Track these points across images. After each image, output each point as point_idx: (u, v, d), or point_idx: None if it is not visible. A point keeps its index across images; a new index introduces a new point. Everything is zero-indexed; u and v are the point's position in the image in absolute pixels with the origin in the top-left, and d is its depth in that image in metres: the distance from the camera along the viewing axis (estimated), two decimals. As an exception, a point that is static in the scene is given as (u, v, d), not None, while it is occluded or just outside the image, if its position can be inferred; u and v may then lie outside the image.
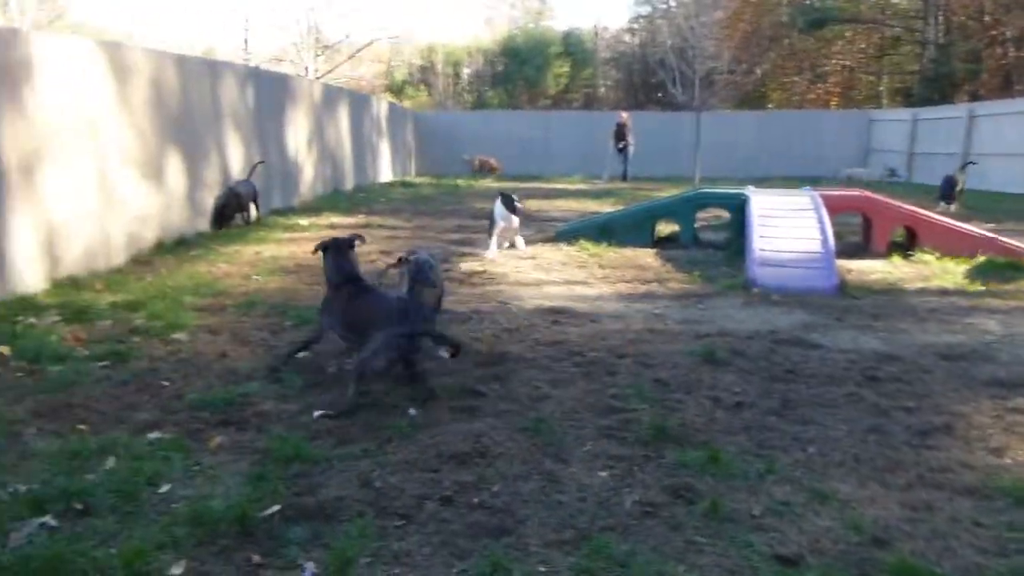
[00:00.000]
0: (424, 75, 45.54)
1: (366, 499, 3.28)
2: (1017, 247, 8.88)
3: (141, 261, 8.38)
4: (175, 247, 9.16)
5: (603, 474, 3.56)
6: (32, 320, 5.92)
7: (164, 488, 3.37)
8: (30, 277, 6.72)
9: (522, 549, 2.94)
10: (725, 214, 11.04)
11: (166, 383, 4.69)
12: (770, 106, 35.24)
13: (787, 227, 8.67)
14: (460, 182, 21.35)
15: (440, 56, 44.61)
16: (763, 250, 8.19)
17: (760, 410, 4.38)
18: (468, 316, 6.41)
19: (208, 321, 6.05)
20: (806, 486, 3.45)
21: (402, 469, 3.57)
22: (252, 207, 11.14)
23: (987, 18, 27.10)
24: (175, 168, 9.64)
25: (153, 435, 3.91)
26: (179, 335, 5.63)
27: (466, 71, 46.32)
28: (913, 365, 5.21)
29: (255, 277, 7.68)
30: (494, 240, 9.40)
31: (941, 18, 28.49)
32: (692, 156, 20.66)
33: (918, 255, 9.11)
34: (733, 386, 4.75)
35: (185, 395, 4.49)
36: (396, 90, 42.69)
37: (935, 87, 26.75)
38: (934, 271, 8.48)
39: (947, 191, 14.05)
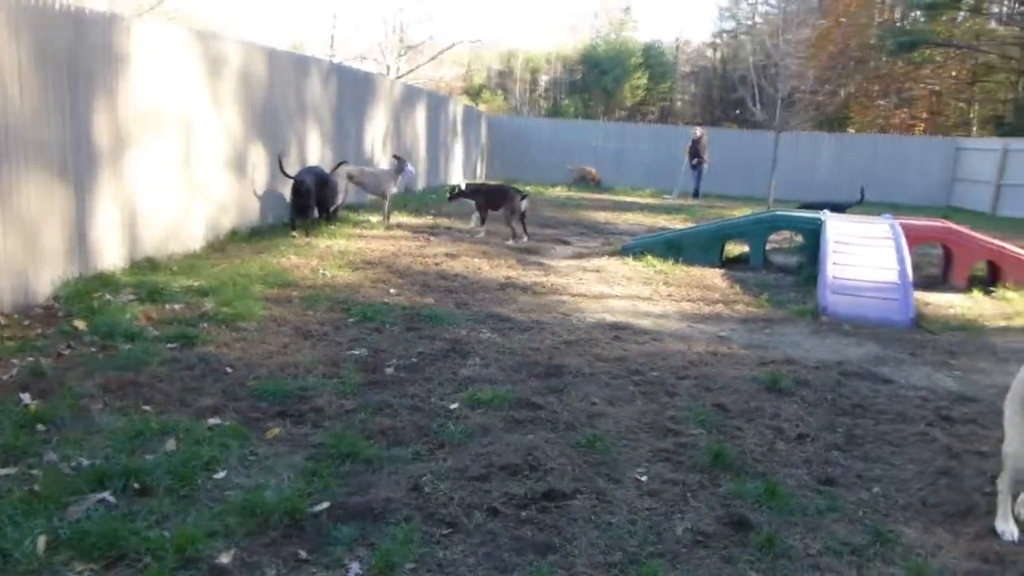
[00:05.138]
0: (502, 80, 45.76)
1: (414, 503, 3.28)
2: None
3: (216, 248, 8.60)
4: (249, 237, 9.37)
5: (654, 498, 3.49)
6: (109, 297, 6.12)
7: (219, 475, 3.43)
8: (110, 255, 6.96)
9: (568, 569, 2.90)
10: (798, 238, 10.77)
11: (229, 370, 4.78)
12: (851, 129, 34.19)
13: (864, 255, 8.39)
14: (529, 188, 21.25)
15: (520, 62, 44.74)
16: (837, 277, 7.94)
17: (823, 444, 4.23)
18: (529, 325, 6.39)
19: (274, 312, 6.17)
20: (868, 527, 3.31)
21: (452, 476, 3.56)
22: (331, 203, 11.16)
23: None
24: (257, 160, 9.87)
25: (213, 420, 3.99)
26: (245, 323, 5.75)
27: (544, 78, 46.32)
28: (991, 408, 4.96)
29: (323, 272, 7.79)
30: None
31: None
32: (767, 176, 20.23)
33: (1001, 291, 8.71)
34: (796, 417, 4.60)
35: (247, 383, 4.58)
36: (473, 93, 42.98)
37: (1030, 117, 25.68)
38: (1018, 309, 8.09)
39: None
